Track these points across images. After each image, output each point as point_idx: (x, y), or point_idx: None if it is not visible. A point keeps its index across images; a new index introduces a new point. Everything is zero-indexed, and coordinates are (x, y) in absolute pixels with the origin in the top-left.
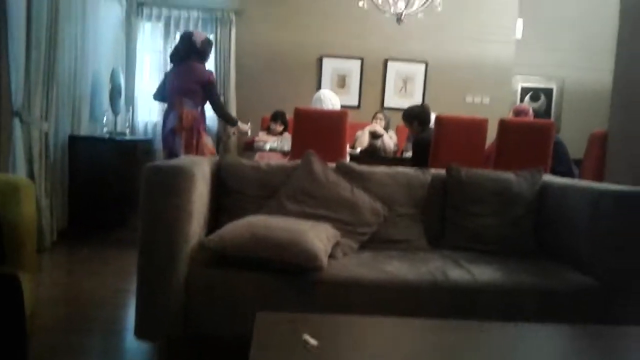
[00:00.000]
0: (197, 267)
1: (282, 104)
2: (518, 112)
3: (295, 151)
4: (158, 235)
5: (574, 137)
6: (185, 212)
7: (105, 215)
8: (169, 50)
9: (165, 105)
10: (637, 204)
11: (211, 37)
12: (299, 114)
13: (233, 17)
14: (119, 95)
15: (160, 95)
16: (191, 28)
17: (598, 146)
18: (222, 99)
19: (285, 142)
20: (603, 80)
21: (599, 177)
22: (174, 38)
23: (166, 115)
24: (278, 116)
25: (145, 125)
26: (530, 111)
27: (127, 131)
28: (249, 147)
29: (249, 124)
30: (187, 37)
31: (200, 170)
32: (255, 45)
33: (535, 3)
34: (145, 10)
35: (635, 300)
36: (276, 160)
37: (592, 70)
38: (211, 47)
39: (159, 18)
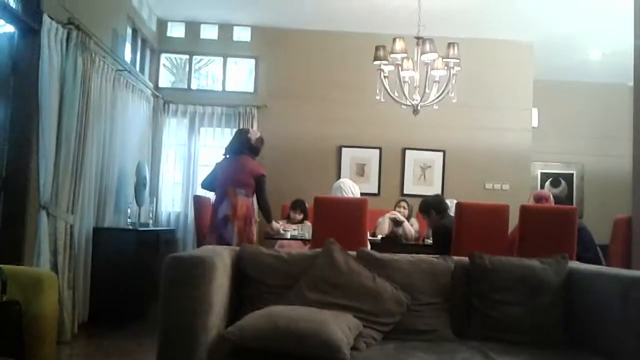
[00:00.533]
0: (216, 359)
1: (302, 193)
2: (539, 199)
3: (315, 239)
4: (177, 327)
5: (597, 223)
6: (205, 304)
7: (126, 307)
8: (194, 144)
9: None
10: None
11: (233, 131)
12: (319, 202)
13: (255, 112)
14: (144, 187)
15: (209, 185)
16: (215, 123)
17: (623, 231)
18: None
19: (305, 230)
20: (622, 165)
21: (627, 263)
22: (199, 132)
23: (218, 204)
24: (298, 205)
25: (169, 216)
26: (551, 197)
27: (150, 222)
28: (269, 236)
29: (280, 223)
30: (243, 133)
31: (221, 260)
32: (276, 137)
33: (549, 93)
34: (172, 107)
35: None
36: (297, 248)
37: (610, 156)
38: (263, 144)
39: (184, 114)
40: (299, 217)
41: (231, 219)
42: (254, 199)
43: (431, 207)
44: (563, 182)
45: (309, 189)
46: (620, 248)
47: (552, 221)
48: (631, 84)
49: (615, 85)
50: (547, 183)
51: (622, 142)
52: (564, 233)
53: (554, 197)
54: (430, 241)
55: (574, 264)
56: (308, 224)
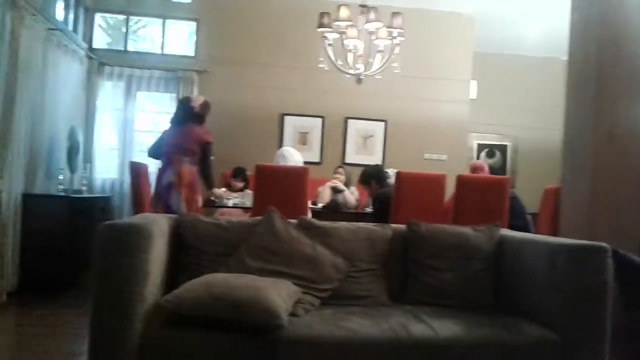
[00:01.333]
0: (152, 328)
1: (243, 161)
2: (475, 169)
3: (256, 207)
4: (111, 295)
5: (528, 192)
6: (141, 272)
7: (58, 276)
8: (131, 109)
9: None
10: (590, 258)
11: (172, 96)
12: (261, 170)
13: (195, 77)
14: (77, 153)
15: (155, 153)
16: (153, 88)
17: (552, 200)
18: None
19: (246, 198)
20: (553, 137)
21: (554, 231)
22: (136, 96)
23: (162, 172)
24: (238, 172)
25: (104, 183)
26: (486, 167)
27: (84, 189)
28: (209, 203)
29: (223, 189)
30: (185, 102)
31: (158, 227)
32: (218, 104)
33: (487, 66)
34: (107, 69)
35: (593, 352)
36: (237, 216)
37: (543, 128)
38: (209, 110)
39: (120, 77)
40: (240, 185)
41: (176, 187)
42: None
43: (371, 177)
44: (498, 153)
45: (250, 157)
46: (548, 216)
47: (486, 190)
48: (565, 58)
49: (550, 60)
50: (483, 154)
51: (554, 115)
52: (497, 202)
53: (489, 167)
54: (370, 209)
55: (505, 232)
56: (249, 192)
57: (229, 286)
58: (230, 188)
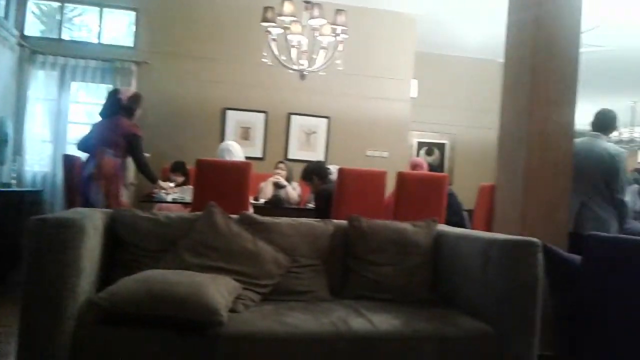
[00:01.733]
0: (85, 326)
1: (184, 156)
2: (414, 166)
3: (196, 203)
4: (42, 293)
5: (465, 189)
6: (73, 268)
7: None
8: (64, 99)
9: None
10: (521, 253)
11: (109, 87)
12: (202, 165)
13: (134, 68)
14: (5, 144)
15: (84, 146)
16: (88, 78)
17: (487, 197)
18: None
19: (186, 193)
20: (489, 136)
21: (489, 227)
22: (70, 87)
23: (85, 164)
24: (178, 167)
25: (35, 176)
26: (425, 164)
27: (14, 182)
28: (147, 198)
29: (172, 183)
30: (113, 94)
31: (91, 222)
32: (157, 97)
33: (428, 65)
34: (40, 58)
35: (525, 343)
36: (176, 212)
37: (479, 127)
38: (139, 102)
39: (54, 67)
40: (180, 179)
41: (95, 178)
42: (126, 160)
43: (313, 173)
44: (436, 151)
45: (191, 151)
46: (483, 213)
47: (425, 187)
48: (501, 60)
49: (488, 62)
50: (422, 151)
51: (490, 115)
52: (435, 198)
53: (428, 164)
54: (312, 205)
55: (443, 227)
56: (189, 187)
57: (167, 282)
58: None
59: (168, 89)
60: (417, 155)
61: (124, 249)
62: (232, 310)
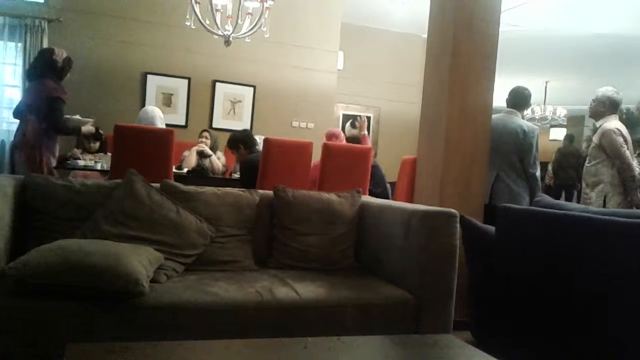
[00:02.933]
0: None
1: (101, 121)
2: (330, 136)
3: (115, 170)
4: None
5: (388, 162)
6: None
7: None
8: None
9: None
10: (440, 223)
11: (19, 46)
12: (121, 131)
13: (45, 26)
14: None
15: (15, 113)
16: None
17: (409, 170)
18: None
19: (104, 161)
20: (413, 110)
21: (410, 198)
22: None
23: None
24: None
25: None
26: (342, 135)
27: None
28: (60, 165)
29: (91, 121)
30: (47, 54)
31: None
32: (72, 57)
33: (354, 38)
34: None
35: (443, 309)
36: (93, 179)
37: (404, 102)
38: (70, 66)
39: None
40: (95, 145)
41: (19, 146)
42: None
43: (239, 142)
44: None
45: (108, 117)
46: (405, 185)
47: (350, 159)
48: (425, 35)
49: (413, 36)
50: (348, 124)
51: (414, 89)
52: (360, 170)
53: (353, 137)
54: (237, 175)
55: (367, 198)
56: (107, 154)
57: (84, 252)
58: (85, 150)
59: (83, 49)
60: (343, 127)
61: (37, 217)
62: (154, 281)
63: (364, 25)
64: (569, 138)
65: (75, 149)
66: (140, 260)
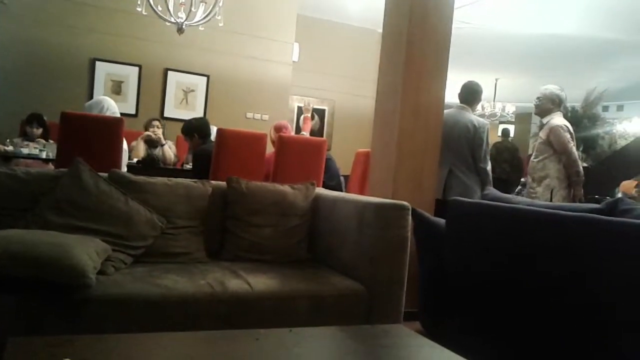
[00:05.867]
0: None
1: (47, 108)
2: (279, 128)
3: (61, 160)
4: None
5: (342, 155)
6: None
7: None
8: None
9: None
10: (393, 215)
11: None
12: (68, 118)
13: None
14: None
15: None
16: None
17: (362, 163)
18: None
19: (48, 148)
20: (367, 104)
21: (364, 191)
22: None
23: None
24: (34, 118)
25: None
26: (289, 127)
27: None
28: (1, 153)
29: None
30: None
31: None
32: (15, 41)
33: (311, 30)
34: None
35: (394, 299)
36: (37, 168)
37: (359, 95)
38: None
39: None
40: (37, 131)
41: None
42: None
43: (195, 129)
44: (316, 117)
45: (55, 103)
46: (359, 178)
47: (305, 151)
48: (380, 30)
49: (368, 31)
50: (302, 116)
51: (369, 83)
52: (314, 162)
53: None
54: (189, 166)
55: (321, 190)
56: (52, 143)
57: (28, 242)
58: (27, 137)
59: (28, 33)
60: (298, 120)
61: None
62: (101, 273)
63: (320, 17)
64: (505, 133)
65: (17, 139)
66: (86, 252)
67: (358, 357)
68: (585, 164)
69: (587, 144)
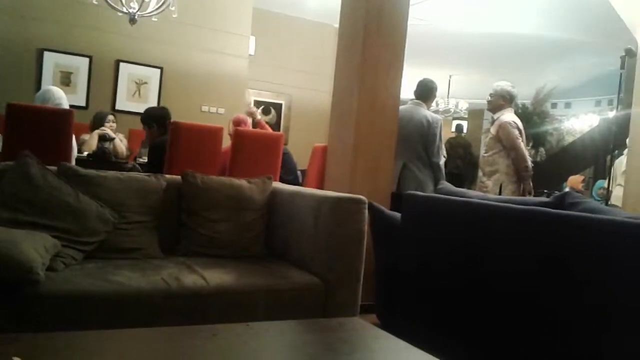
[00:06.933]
0: None
1: None
2: (238, 122)
3: (6, 153)
4: None
5: (299, 149)
6: None
7: None
8: None
9: None
10: (349, 209)
11: None
12: (14, 110)
13: None
14: None
15: None
16: None
17: (319, 157)
18: None
19: None
20: (324, 99)
21: (321, 185)
22: None
23: None
24: None
25: None
26: (249, 121)
27: None
28: None
29: None
30: None
31: None
32: None
33: (267, 24)
34: None
35: (350, 292)
36: None
37: (316, 90)
38: None
39: None
40: None
41: None
42: None
43: (155, 119)
44: (273, 111)
45: (1, 95)
46: (315, 172)
47: (261, 145)
48: (337, 25)
49: (324, 25)
50: (259, 110)
51: (325, 78)
52: (271, 157)
53: (267, 123)
54: (143, 160)
55: (277, 185)
56: None
57: None
58: None
59: None
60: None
61: None
62: (50, 269)
63: (277, 11)
64: (458, 129)
65: None
66: (34, 247)
67: (315, 350)
68: (534, 159)
69: (537, 140)
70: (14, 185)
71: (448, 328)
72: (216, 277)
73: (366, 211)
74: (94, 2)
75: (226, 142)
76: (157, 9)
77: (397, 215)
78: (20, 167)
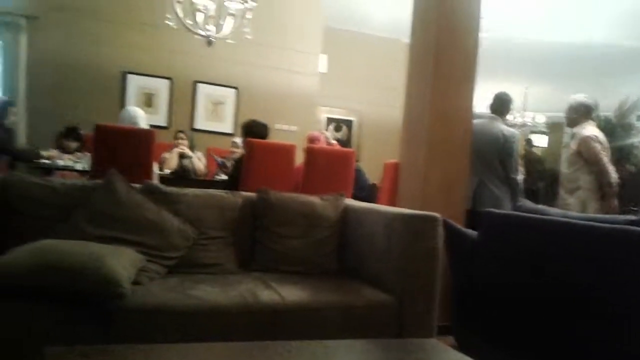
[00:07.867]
0: None
1: (79, 121)
2: (312, 139)
3: (96, 171)
4: None
5: (371, 166)
6: None
7: None
8: None
9: None
10: (423, 226)
11: None
12: (102, 130)
13: (24, 23)
14: None
15: None
16: None
17: (391, 174)
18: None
19: (83, 160)
20: (395, 115)
21: (393, 202)
22: None
23: None
24: (70, 132)
25: None
26: (322, 137)
27: None
28: (38, 165)
29: (55, 151)
30: None
31: None
32: (50, 56)
33: (338, 41)
34: None
35: (425, 310)
36: (72, 179)
37: (386, 106)
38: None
39: None
40: (74, 145)
41: None
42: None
43: (250, 133)
44: (344, 127)
45: (87, 116)
46: (388, 189)
47: (333, 162)
48: (407, 40)
49: (394, 41)
50: (331, 127)
51: (395, 93)
52: (343, 173)
53: (337, 140)
54: (220, 177)
55: (350, 201)
56: (87, 154)
57: (63, 253)
58: (64, 150)
59: (62, 48)
60: (327, 130)
61: (15, 217)
62: (135, 283)
63: (346, 29)
64: (529, 143)
65: (53, 150)
66: (121, 262)
67: None
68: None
69: (622, 154)
70: (102, 202)
71: (528, 352)
72: (291, 293)
73: (440, 228)
74: (173, 26)
75: (300, 159)
76: (232, 31)
77: (473, 232)
78: (108, 185)
